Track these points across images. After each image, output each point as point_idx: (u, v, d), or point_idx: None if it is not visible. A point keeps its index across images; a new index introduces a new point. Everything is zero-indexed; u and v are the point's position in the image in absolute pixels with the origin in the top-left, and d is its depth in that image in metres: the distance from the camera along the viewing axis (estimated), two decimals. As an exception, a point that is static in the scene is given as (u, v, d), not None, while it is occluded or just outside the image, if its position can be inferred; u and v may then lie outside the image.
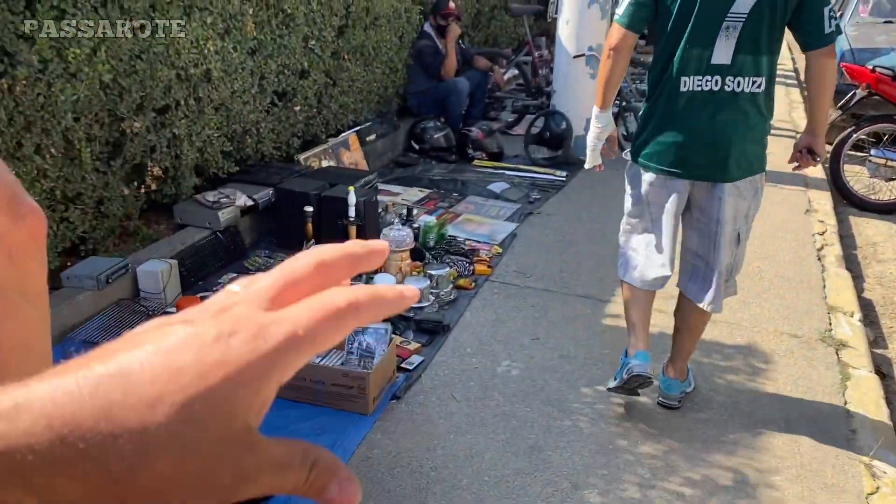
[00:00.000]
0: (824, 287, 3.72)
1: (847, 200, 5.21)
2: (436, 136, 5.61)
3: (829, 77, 2.30)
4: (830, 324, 3.35)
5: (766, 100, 2.32)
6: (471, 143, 5.61)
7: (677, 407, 2.67)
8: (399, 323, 3.15)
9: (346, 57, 4.80)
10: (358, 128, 5.12)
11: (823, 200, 4.98)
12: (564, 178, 5.20)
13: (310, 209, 3.62)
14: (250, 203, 3.79)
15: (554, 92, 5.56)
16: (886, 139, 5.14)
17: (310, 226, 3.63)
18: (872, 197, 5.21)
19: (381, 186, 4.97)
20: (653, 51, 2.51)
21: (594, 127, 2.62)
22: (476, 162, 5.55)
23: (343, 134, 4.96)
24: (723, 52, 2.26)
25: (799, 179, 5.32)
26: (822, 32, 2.22)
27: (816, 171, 5.53)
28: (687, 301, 2.60)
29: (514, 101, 6.71)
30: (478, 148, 5.61)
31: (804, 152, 2.46)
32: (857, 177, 5.23)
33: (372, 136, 5.27)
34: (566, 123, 5.38)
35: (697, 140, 2.34)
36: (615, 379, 2.59)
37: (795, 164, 2.49)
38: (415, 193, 4.90)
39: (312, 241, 3.64)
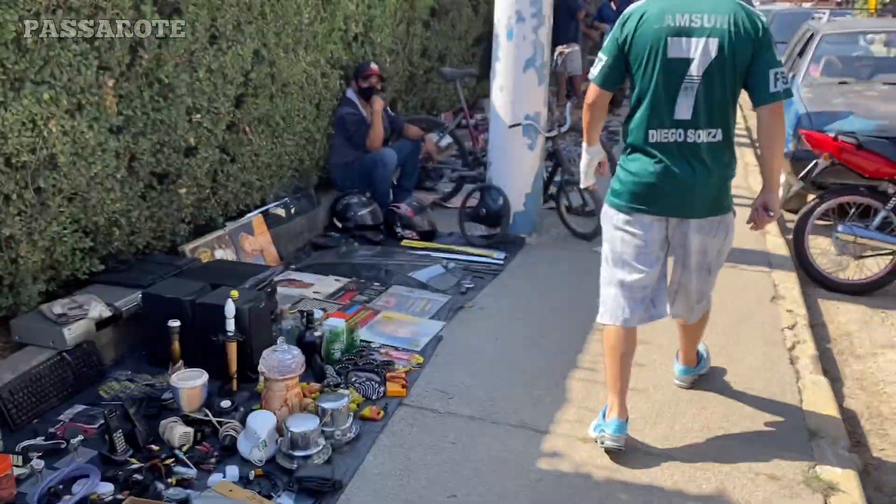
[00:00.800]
0: (801, 401, 3.13)
1: (814, 281, 4.70)
2: (360, 213, 4.99)
3: (777, 133, 2.53)
4: (814, 455, 2.76)
5: (724, 147, 2.57)
6: (399, 220, 5.00)
7: (688, 387, 3.15)
8: (277, 480, 2.45)
9: (247, 129, 4.17)
10: (264, 208, 4.48)
11: (790, 284, 4.45)
12: (502, 262, 4.60)
13: (176, 323, 2.93)
14: (108, 314, 3.09)
15: (490, 164, 5.00)
16: (853, 213, 4.68)
17: (176, 344, 2.94)
18: (841, 276, 4.71)
19: (293, 276, 4.31)
20: (622, 112, 2.56)
21: (584, 157, 2.92)
22: (405, 242, 4.92)
23: (246, 216, 4.31)
24: (683, 109, 2.50)
25: (762, 259, 4.81)
26: (766, 90, 2.45)
27: (780, 249, 5.05)
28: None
29: (451, 171, 6.15)
30: (407, 226, 4.99)
31: (760, 210, 2.63)
32: (824, 252, 4.75)
33: (281, 212, 4.62)
34: (503, 199, 4.81)
35: (663, 182, 2.56)
36: (593, 430, 2.79)
37: (752, 223, 2.68)
38: (330, 283, 4.24)
39: (181, 362, 2.94)
